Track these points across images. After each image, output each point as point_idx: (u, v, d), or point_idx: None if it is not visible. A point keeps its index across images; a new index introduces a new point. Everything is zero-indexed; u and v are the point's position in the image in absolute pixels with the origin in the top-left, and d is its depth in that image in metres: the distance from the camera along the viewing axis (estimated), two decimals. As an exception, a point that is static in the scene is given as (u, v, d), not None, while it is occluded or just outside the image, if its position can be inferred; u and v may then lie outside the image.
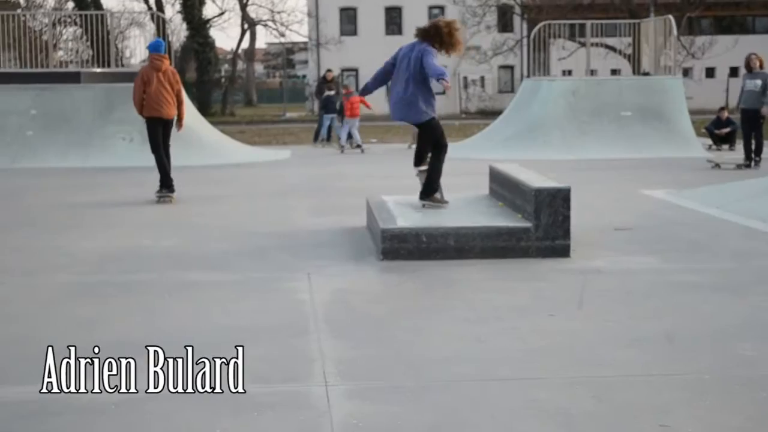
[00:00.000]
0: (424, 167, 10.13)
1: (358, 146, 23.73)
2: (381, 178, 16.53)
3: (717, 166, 17.88)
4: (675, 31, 23.55)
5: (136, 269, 8.36)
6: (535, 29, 24.83)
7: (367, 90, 10.55)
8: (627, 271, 8.15)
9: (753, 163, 17.66)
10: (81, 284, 7.77)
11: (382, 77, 10.45)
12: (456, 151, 22.44)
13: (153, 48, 13.58)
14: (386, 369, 5.42)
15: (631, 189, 14.12)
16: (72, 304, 7.03)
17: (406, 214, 9.33)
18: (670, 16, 23.75)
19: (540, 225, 8.56)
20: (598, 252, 8.87)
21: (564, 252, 8.58)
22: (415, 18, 58.64)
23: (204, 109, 44.16)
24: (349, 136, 24.11)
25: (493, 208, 9.81)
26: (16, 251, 9.31)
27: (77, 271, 8.28)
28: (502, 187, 10.05)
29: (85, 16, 29.17)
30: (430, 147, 10.00)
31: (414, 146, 11.10)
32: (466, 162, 19.56)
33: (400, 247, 8.51)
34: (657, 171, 17.19)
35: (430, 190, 10.01)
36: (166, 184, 13.48)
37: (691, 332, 6.13)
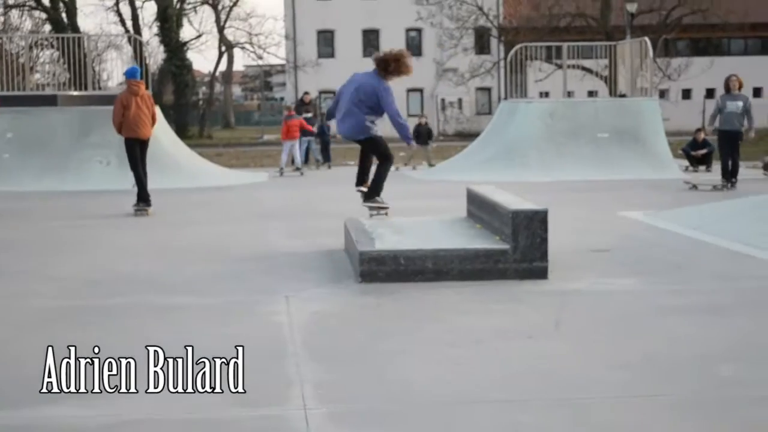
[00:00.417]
0: (364, 188, 11.05)
1: (297, 169, 23.75)
2: (358, 201, 16.46)
3: (694, 187, 17.97)
4: (651, 53, 23.73)
5: (114, 293, 8.30)
6: (512, 51, 24.97)
7: (331, 116, 11.32)
8: (605, 292, 8.15)
9: (730, 185, 17.76)
10: (59, 309, 7.71)
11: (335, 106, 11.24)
12: (433, 173, 22.60)
13: (130, 74, 14.69)
14: (366, 392, 5.40)
15: (609, 210, 14.16)
16: (49, 329, 6.97)
17: (384, 236, 9.32)
18: (647, 38, 23.92)
19: (518, 247, 8.56)
20: (576, 274, 8.88)
21: (542, 274, 8.58)
22: (392, 40, 58.88)
23: (181, 131, 44.09)
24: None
25: (471, 230, 9.81)
26: (-8, 276, 9.24)
27: (53, 296, 8.22)
28: (480, 209, 10.06)
29: (62, 39, 29.14)
30: (377, 160, 10.85)
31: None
32: (444, 184, 19.61)
33: (378, 269, 8.49)
34: (634, 192, 17.26)
35: (374, 193, 10.92)
36: (143, 198, 14.57)
37: (672, 354, 6.13)
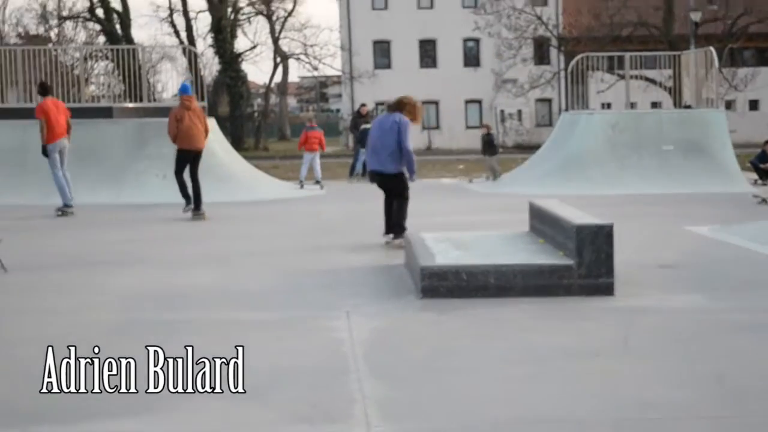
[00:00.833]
0: (390, 238, 11.91)
1: (317, 182, 23.68)
2: (418, 215, 16.35)
3: (763, 201, 17.53)
4: (716, 63, 23.35)
5: (173, 308, 8.28)
6: (573, 62, 24.71)
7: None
8: (673, 309, 7.97)
9: (803, 199, 17.33)
10: (114, 323, 7.69)
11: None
12: (494, 187, 22.42)
13: (182, 91, 16.23)
14: (429, 410, 5.30)
15: (674, 225, 13.91)
16: (105, 343, 6.93)
17: (446, 251, 9.20)
18: (711, 48, 23.53)
19: (583, 262, 8.39)
20: (642, 290, 8.70)
21: (608, 290, 8.41)
22: (450, 50, 58.90)
23: (237, 143, 44.31)
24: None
25: (534, 245, 9.66)
26: (51, 289, 9.26)
27: (111, 310, 8.21)
28: (543, 223, 9.90)
29: (117, 50, 29.37)
30: (397, 199, 11.92)
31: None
32: (504, 197, 19.45)
33: (440, 285, 8.37)
34: (700, 206, 16.94)
35: (400, 229, 11.72)
36: (195, 204, 15.75)
37: (741, 374, 5.95)
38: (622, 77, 26.86)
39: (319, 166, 24.09)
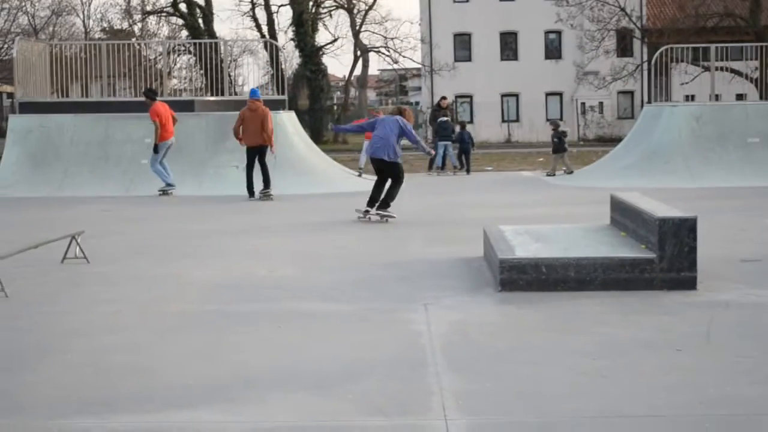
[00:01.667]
0: (375, 212, 14.18)
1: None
2: (497, 207, 16.31)
3: None
4: (805, 54, 22.78)
5: (249, 299, 8.32)
6: (657, 53, 24.30)
7: (342, 129, 16.70)
8: (757, 304, 7.80)
9: None
10: (193, 314, 7.76)
11: (356, 129, 16.84)
12: (575, 180, 22.19)
13: (251, 95, 18.63)
14: (507, 404, 5.25)
15: (759, 219, 13.63)
16: (185, 334, 7.01)
17: (525, 244, 9.12)
18: (799, 39, 22.96)
19: (665, 256, 8.25)
20: (725, 284, 8.53)
21: (690, 284, 8.26)
22: (531, 43, 58.45)
23: (316, 136, 44.48)
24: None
25: (615, 238, 9.52)
26: (133, 280, 9.38)
27: (190, 301, 8.29)
28: (624, 216, 9.76)
29: (199, 44, 29.67)
30: (393, 181, 14.23)
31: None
32: (585, 190, 19.25)
33: (519, 277, 8.30)
34: (786, 200, 16.57)
35: (386, 205, 14.20)
36: (264, 185, 18.09)
37: (831, 371, 5.79)
38: (707, 69, 26.37)
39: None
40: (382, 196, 14.20)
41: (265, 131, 18.04)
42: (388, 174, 14.25)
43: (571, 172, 23.74)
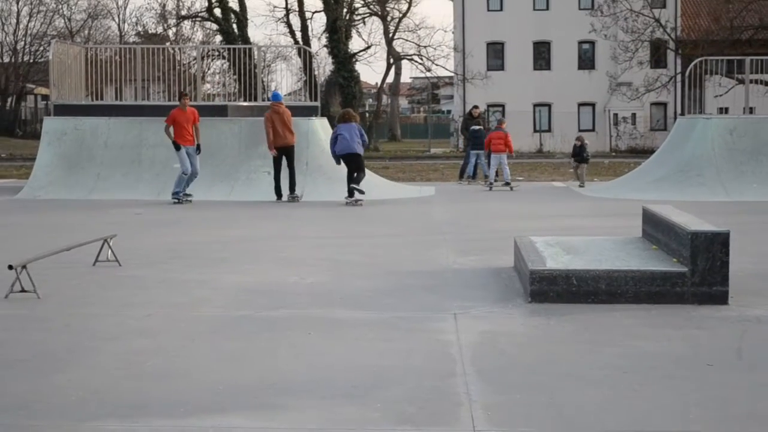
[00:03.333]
0: (351, 198, 18.19)
1: (507, 183, 23.32)
2: (528, 217, 16.28)
3: None
4: (840, 68, 22.59)
5: (279, 305, 8.34)
6: (691, 65, 24.18)
7: (335, 152, 18.50)
8: (790, 320, 7.73)
9: None
10: (224, 319, 7.79)
11: (332, 145, 18.61)
12: (606, 191, 22.09)
13: (273, 98, 19.62)
14: (536, 416, 5.23)
15: (793, 233, 13.51)
16: (216, 339, 7.04)
17: (556, 255, 9.09)
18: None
19: (696, 270, 8.20)
20: (758, 300, 8.46)
21: (722, 299, 8.20)
22: (564, 53, 58.30)
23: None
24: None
25: (647, 251, 9.48)
26: (163, 284, 9.43)
27: (221, 306, 8.32)
28: (656, 229, 9.71)
29: (233, 49, 29.76)
30: (358, 172, 18.34)
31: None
32: (616, 202, 19.18)
33: (549, 289, 8.27)
34: (820, 215, 16.41)
35: (359, 191, 18.00)
36: (290, 188, 19.00)
37: None
38: (741, 81, 26.19)
39: (507, 167, 23.65)
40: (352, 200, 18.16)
41: (292, 132, 18.98)
42: (356, 164, 18.24)
43: (582, 186, 23.71)
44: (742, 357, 6.57)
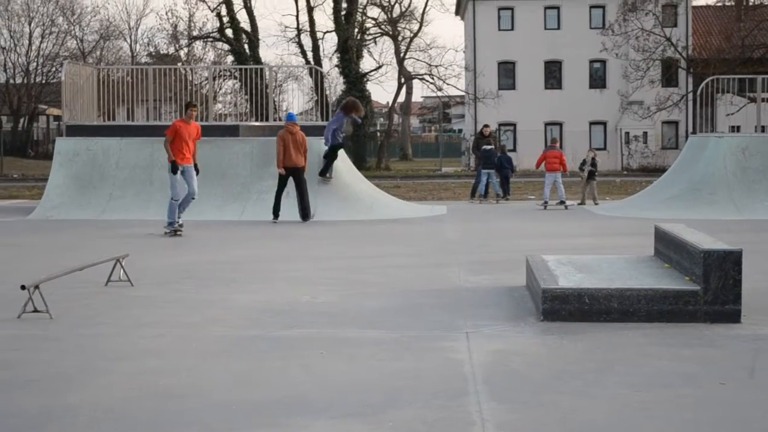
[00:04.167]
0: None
1: (561, 202, 23.27)
2: (540, 236, 16.27)
3: None
4: None
5: (291, 325, 8.34)
6: (703, 84, 24.19)
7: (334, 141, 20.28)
8: (803, 339, 7.70)
9: None
10: (236, 338, 7.79)
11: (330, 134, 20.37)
12: (618, 210, 22.07)
13: (288, 118, 19.39)
14: (548, 437, 5.21)
15: (805, 251, 13.45)
16: (228, 359, 7.04)
17: (568, 274, 9.08)
18: None
19: (709, 288, 8.18)
20: (771, 318, 8.43)
21: (734, 318, 8.18)
22: (575, 72, 58.37)
23: (359, 162, 44.64)
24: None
25: (659, 270, 9.46)
26: (176, 304, 9.45)
27: (233, 325, 8.32)
28: (668, 248, 9.70)
29: (244, 69, 29.83)
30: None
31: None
32: (628, 221, 19.15)
33: (562, 308, 8.26)
34: (833, 233, 16.35)
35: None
36: (304, 214, 18.89)
37: None
38: (753, 100, 26.17)
39: (562, 186, 23.62)
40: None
41: (304, 154, 18.88)
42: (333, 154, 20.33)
43: (582, 203, 23.69)
44: (754, 376, 6.54)
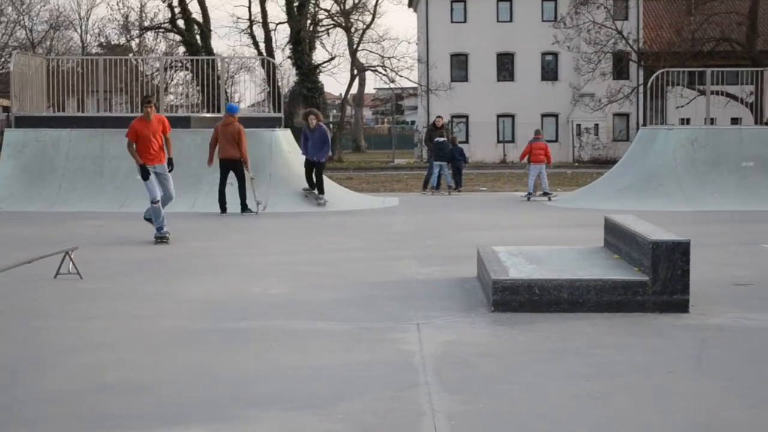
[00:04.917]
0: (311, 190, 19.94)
1: (545, 194, 23.33)
2: (491, 227, 16.34)
3: None
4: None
5: (242, 317, 8.32)
6: (653, 77, 24.39)
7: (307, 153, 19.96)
8: (749, 328, 7.81)
9: None
10: (186, 331, 7.75)
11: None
12: (568, 201, 22.21)
13: (228, 110, 19.14)
14: (499, 425, 5.26)
15: (753, 243, 13.65)
16: (177, 351, 7.00)
17: (519, 265, 9.13)
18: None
19: (657, 279, 8.27)
20: (718, 308, 8.53)
21: (682, 307, 8.27)
22: (527, 64, 58.59)
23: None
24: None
25: (609, 261, 9.54)
26: (126, 296, 9.38)
27: (183, 318, 8.28)
28: (618, 239, 9.78)
29: (196, 60, 29.65)
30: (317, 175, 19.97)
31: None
32: (579, 212, 19.28)
33: (512, 298, 8.31)
34: (779, 224, 16.59)
35: (323, 191, 19.84)
36: (242, 206, 18.53)
37: (822, 397, 5.79)
38: (702, 93, 26.44)
39: (546, 178, 23.61)
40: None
41: (240, 147, 18.43)
42: (317, 168, 19.89)
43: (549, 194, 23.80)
44: (702, 365, 6.62)
